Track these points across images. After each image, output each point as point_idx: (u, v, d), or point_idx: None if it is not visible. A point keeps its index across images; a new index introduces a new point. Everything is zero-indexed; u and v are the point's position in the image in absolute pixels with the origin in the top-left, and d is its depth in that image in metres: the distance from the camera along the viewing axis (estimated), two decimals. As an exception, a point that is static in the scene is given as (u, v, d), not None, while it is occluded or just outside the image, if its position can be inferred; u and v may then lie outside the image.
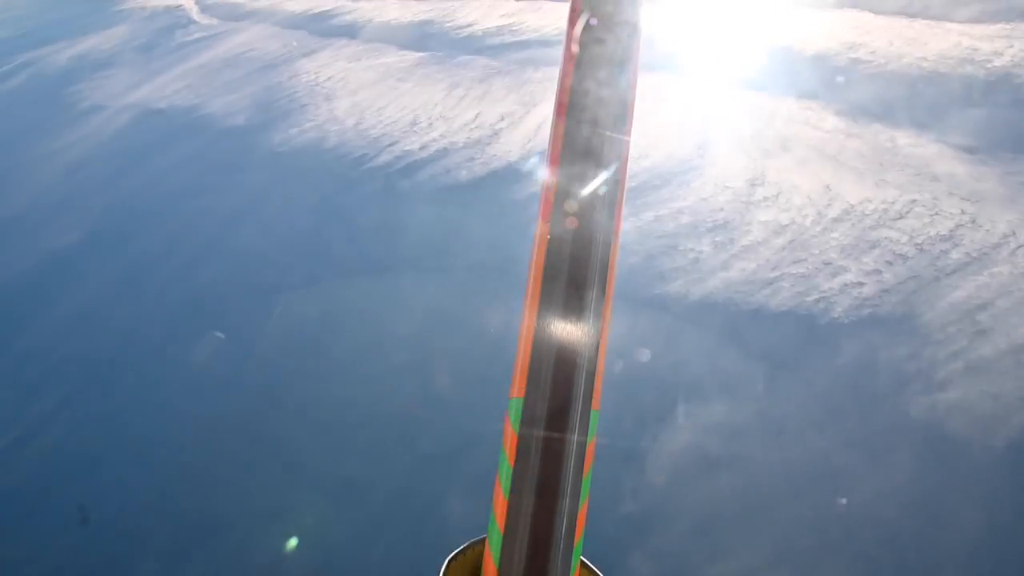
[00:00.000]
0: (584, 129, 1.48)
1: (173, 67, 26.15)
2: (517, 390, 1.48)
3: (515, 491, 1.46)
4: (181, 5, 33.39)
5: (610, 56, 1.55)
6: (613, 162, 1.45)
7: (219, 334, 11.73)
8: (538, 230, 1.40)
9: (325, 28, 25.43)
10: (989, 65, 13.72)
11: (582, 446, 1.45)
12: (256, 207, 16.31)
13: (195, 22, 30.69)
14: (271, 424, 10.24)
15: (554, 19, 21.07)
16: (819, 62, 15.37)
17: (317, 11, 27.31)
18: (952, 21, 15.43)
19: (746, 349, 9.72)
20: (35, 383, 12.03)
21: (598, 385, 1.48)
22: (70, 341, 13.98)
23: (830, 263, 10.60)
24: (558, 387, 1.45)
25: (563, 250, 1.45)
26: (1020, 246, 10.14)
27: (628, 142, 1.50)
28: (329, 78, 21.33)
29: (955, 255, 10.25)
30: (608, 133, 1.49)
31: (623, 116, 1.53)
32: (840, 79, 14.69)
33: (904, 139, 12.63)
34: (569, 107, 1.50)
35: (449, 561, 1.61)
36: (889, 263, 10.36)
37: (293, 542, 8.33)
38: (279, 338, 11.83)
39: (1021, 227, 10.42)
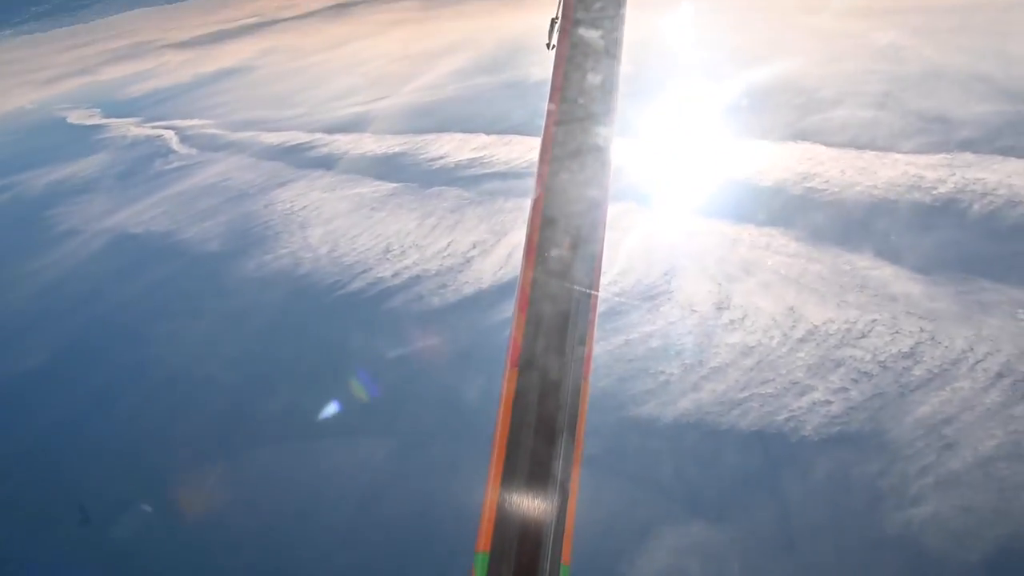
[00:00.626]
0: (552, 280, 1.59)
1: (151, 194, 26.74)
2: (483, 543, 1.41)
3: None
4: (162, 135, 34.44)
5: (577, 219, 1.68)
6: (581, 314, 1.56)
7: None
8: (506, 375, 1.55)
9: (302, 160, 26.32)
10: (935, 192, 14.58)
11: None
12: (227, 332, 16.39)
13: (175, 151, 31.61)
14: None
15: (523, 152, 22.06)
16: (777, 191, 16.21)
17: (294, 143, 28.31)
18: (898, 152, 16.47)
19: (720, 470, 9.78)
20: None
21: (568, 538, 1.43)
22: (35, 459, 13.73)
23: (797, 382, 10.85)
24: (526, 541, 1.39)
25: (531, 396, 1.47)
26: (979, 361, 10.49)
27: (596, 296, 1.63)
28: (304, 207, 21.91)
29: (917, 371, 10.57)
30: (576, 287, 1.60)
31: (591, 269, 1.64)
32: (798, 207, 15.47)
33: (861, 262, 13.21)
34: (537, 257, 1.62)
35: None
36: (855, 381, 10.64)
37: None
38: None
39: (978, 343, 10.81)
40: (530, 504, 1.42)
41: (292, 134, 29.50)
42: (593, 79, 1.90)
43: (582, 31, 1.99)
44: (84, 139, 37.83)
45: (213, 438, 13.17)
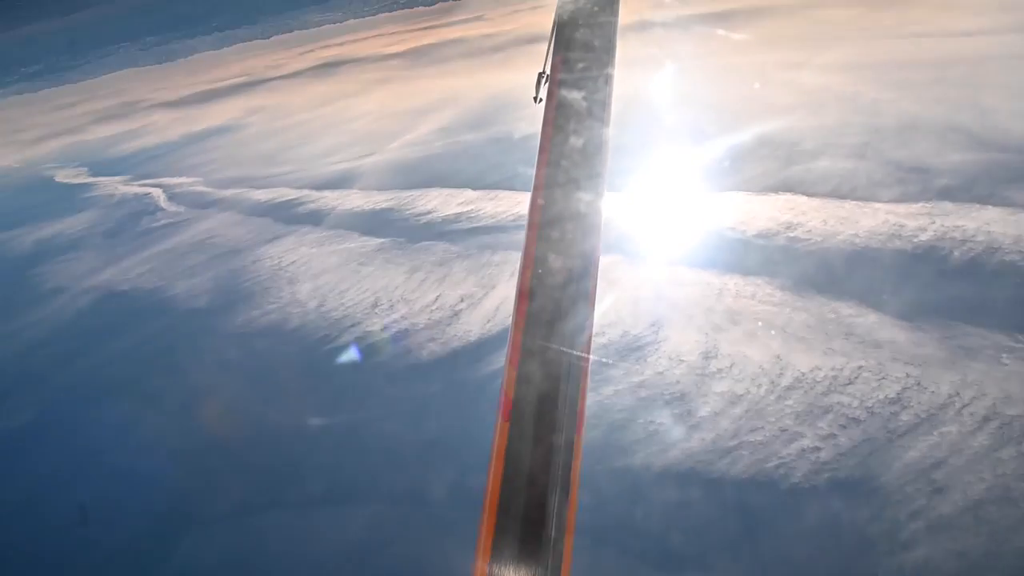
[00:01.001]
0: (543, 336, 1.63)
1: (138, 251, 26.84)
2: (479, 572, 1.42)
3: None
4: (149, 193, 34.68)
5: (564, 291, 1.71)
6: (573, 369, 1.58)
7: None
8: (497, 428, 1.55)
9: (290, 216, 26.56)
10: (915, 240, 14.89)
11: None
12: (217, 388, 16.38)
13: (162, 209, 31.81)
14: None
15: (509, 206, 22.38)
16: (761, 242, 16.49)
17: (282, 200, 28.58)
18: (878, 201, 16.84)
19: (711, 519, 9.79)
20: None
21: None
22: (19, 523, 13.60)
23: (786, 430, 10.93)
24: None
25: (523, 451, 1.45)
26: (965, 405, 10.62)
27: (588, 354, 1.68)
28: (292, 262, 22.05)
29: (905, 417, 10.68)
30: (567, 346, 1.64)
31: (583, 327, 1.67)
32: (782, 256, 15.75)
33: (846, 310, 13.42)
34: (528, 314, 1.66)
35: None
36: (843, 427, 10.73)
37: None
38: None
39: (964, 388, 10.96)
40: (523, 565, 1.39)
41: (280, 191, 29.80)
42: (579, 142, 1.89)
43: (569, 91, 1.98)
44: (71, 197, 38.02)
45: (201, 498, 13.11)
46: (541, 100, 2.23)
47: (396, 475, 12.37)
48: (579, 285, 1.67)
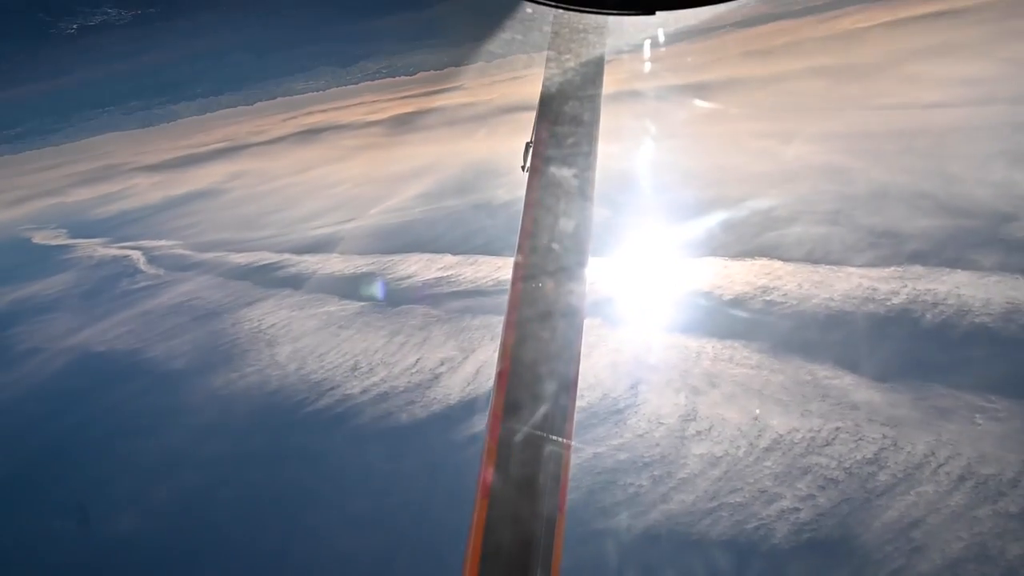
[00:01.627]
0: (524, 417, 1.60)
1: (116, 313, 26.78)
2: None
3: None
4: (129, 255, 34.73)
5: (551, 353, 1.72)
6: (554, 461, 1.54)
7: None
8: (476, 505, 1.49)
9: (270, 279, 26.68)
10: (888, 303, 15.24)
11: None
12: (194, 449, 16.23)
13: (141, 271, 31.85)
14: None
15: (489, 271, 22.66)
16: (737, 305, 16.80)
17: (262, 263, 28.74)
18: (852, 265, 17.25)
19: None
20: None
21: None
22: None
23: (765, 491, 11.01)
24: None
25: (502, 530, 1.41)
26: (940, 465, 10.78)
27: (569, 444, 1.65)
28: (272, 325, 22.08)
29: (882, 477, 10.82)
30: (547, 433, 1.60)
31: (565, 422, 1.60)
32: (758, 320, 16.05)
33: (822, 372, 13.65)
34: (506, 399, 1.61)
35: None
36: (822, 487, 10.83)
37: None
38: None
39: (939, 448, 11.13)
40: None
41: (260, 254, 29.98)
42: (565, 224, 1.83)
43: (555, 169, 1.95)
44: (49, 259, 38.04)
45: (180, 560, 12.93)
46: (527, 169, 2.21)
47: (374, 542, 12.26)
48: (560, 366, 1.66)
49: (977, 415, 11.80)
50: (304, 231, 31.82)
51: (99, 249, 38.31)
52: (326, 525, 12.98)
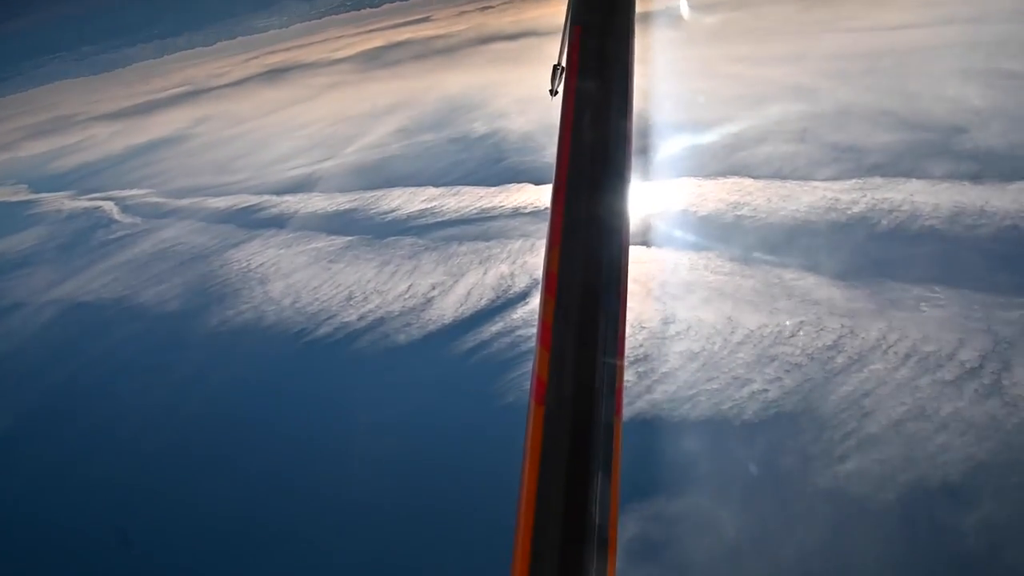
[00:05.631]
0: (574, 316, 1.60)
1: (97, 263, 27.83)
2: (519, 571, 1.40)
3: None
4: (100, 207, 35.52)
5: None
6: (608, 345, 1.58)
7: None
8: (531, 413, 1.52)
9: (252, 221, 27.89)
10: (849, 212, 17.10)
11: None
12: (198, 385, 17.66)
13: (117, 221, 32.76)
14: None
15: (472, 200, 24.14)
16: (711, 220, 18.56)
17: (242, 206, 29.89)
18: (816, 180, 19.07)
19: (674, 456, 11.63)
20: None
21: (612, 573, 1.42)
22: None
23: (738, 377, 12.86)
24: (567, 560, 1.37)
25: (561, 436, 1.45)
26: (890, 346, 12.70)
27: (623, 328, 1.70)
28: (261, 264, 23.44)
29: (840, 359, 12.71)
30: (599, 321, 1.62)
31: (615, 304, 1.64)
32: (731, 232, 17.82)
33: (788, 275, 15.47)
34: (557, 295, 1.61)
35: None
36: (787, 371, 12.70)
37: None
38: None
39: (889, 332, 13.05)
40: (567, 557, 1.38)
41: (239, 198, 31.05)
42: (602, 132, 1.86)
43: (587, 82, 1.99)
44: (14, 215, 38.38)
45: (191, 502, 13.85)
46: (557, 93, 2.16)
47: (400, 452, 13.68)
48: (609, 265, 1.64)
49: (923, 304, 13.71)
50: (281, 172, 32.87)
51: (67, 202, 38.73)
52: (338, 444, 14.38)
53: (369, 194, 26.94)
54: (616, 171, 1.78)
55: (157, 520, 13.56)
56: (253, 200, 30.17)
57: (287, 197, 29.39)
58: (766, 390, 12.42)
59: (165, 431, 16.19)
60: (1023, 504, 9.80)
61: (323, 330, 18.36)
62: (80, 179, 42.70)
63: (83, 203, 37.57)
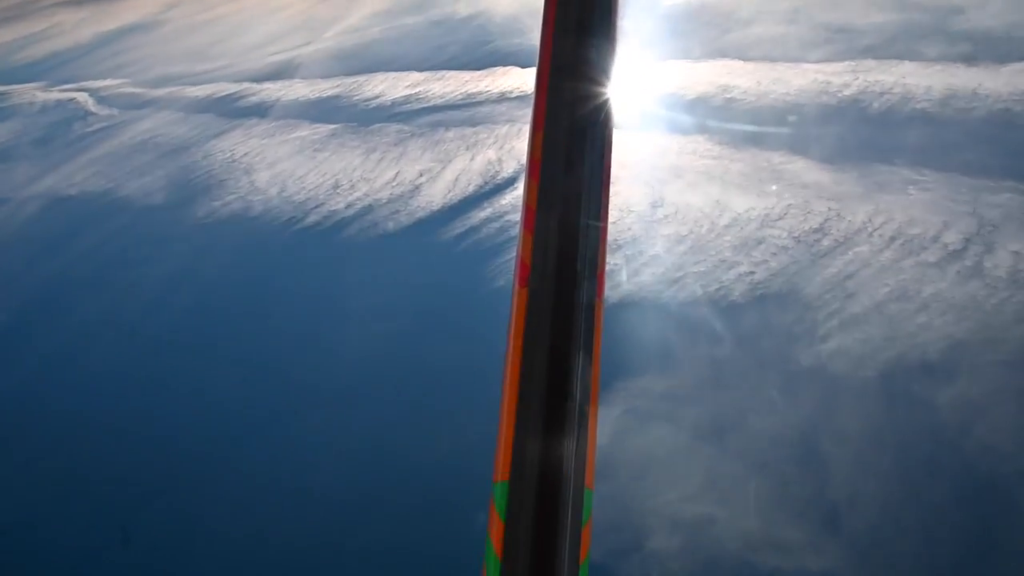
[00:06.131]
0: (558, 199, 1.59)
1: (77, 156, 27.35)
2: (500, 473, 1.43)
3: None
4: (74, 99, 34.62)
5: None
6: (591, 229, 1.57)
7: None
8: (515, 296, 1.53)
9: (232, 110, 27.35)
10: (840, 95, 16.97)
11: (577, 531, 1.39)
12: (189, 276, 17.71)
13: (93, 113, 32.00)
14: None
15: (457, 85, 23.73)
16: (700, 103, 18.40)
17: (222, 95, 29.23)
18: (807, 62, 18.83)
19: (663, 333, 11.94)
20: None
21: (590, 460, 1.44)
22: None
23: (725, 260, 13.08)
24: (546, 468, 1.40)
25: (543, 317, 1.47)
26: (876, 229, 12.90)
27: (607, 210, 1.66)
28: (245, 154, 23.14)
29: (826, 242, 12.92)
30: (583, 202, 1.59)
31: (598, 189, 1.62)
32: (720, 116, 17.71)
33: (777, 158, 15.51)
34: (541, 177, 1.61)
35: None
36: (774, 254, 12.92)
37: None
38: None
39: (875, 215, 13.23)
40: (549, 429, 1.41)
41: (217, 86, 30.32)
42: (588, 12, 1.76)
43: None
44: (-15, 107, 37.39)
45: (188, 395, 13.92)
46: None
47: (392, 336, 13.88)
48: (593, 148, 1.61)
49: (910, 187, 13.84)
50: (260, 58, 31.99)
51: (39, 94, 37.59)
52: (331, 330, 14.54)
53: (351, 80, 26.39)
54: (602, 52, 1.75)
55: (154, 409, 13.78)
56: (232, 88, 29.49)
57: (267, 84, 28.74)
58: (752, 272, 12.65)
59: (158, 324, 16.29)
60: (996, 380, 10.17)
61: (312, 219, 18.36)
62: (50, 70, 41.31)
63: (56, 95, 36.52)
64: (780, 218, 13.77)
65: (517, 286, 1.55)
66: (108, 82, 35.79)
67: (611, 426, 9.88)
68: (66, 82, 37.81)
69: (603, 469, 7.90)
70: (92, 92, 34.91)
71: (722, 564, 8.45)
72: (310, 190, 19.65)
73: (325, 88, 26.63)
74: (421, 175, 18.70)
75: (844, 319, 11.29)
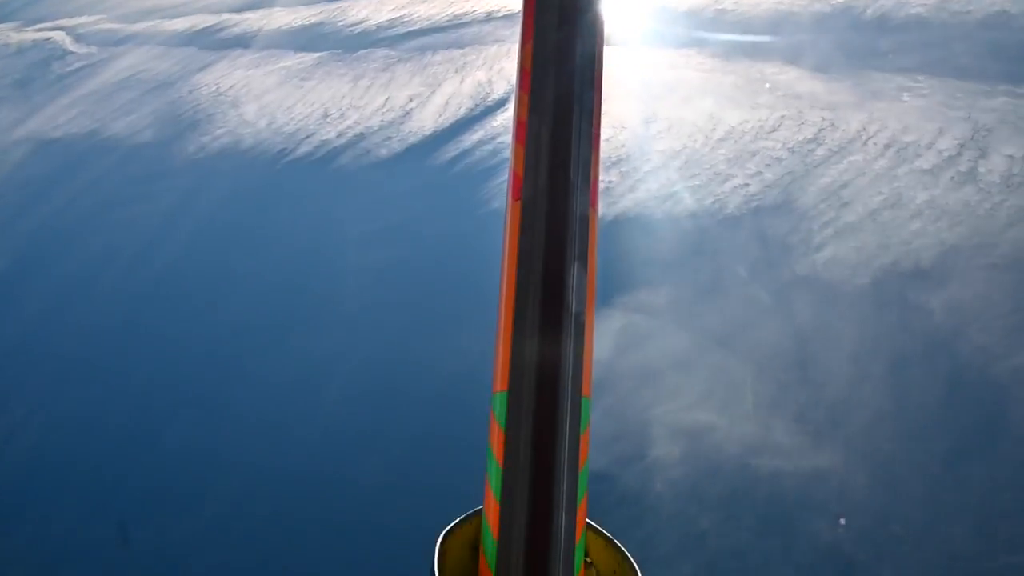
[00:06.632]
0: (548, 115, 1.57)
1: (59, 97, 26.92)
2: (500, 383, 1.45)
3: (507, 494, 1.41)
4: (51, 38, 33.90)
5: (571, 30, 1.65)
6: (583, 143, 1.56)
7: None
8: (508, 210, 1.54)
9: (214, 42, 26.87)
10: (833, 1, 16.70)
11: (575, 438, 1.41)
12: (185, 210, 17.69)
13: (72, 52, 31.39)
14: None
15: (442, 7, 23.29)
16: (691, 16, 18.12)
17: (202, 27, 28.68)
18: (800, -31, 18.48)
19: (659, 247, 12.04)
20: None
21: (588, 369, 1.46)
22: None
23: (720, 173, 13.09)
24: (544, 377, 1.42)
25: (537, 228, 1.47)
26: (870, 137, 12.89)
27: (598, 125, 1.65)
28: (231, 87, 22.84)
29: (820, 152, 12.92)
30: (574, 118, 1.58)
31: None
32: (711, 28, 17.47)
33: (770, 69, 15.36)
34: (532, 91, 1.59)
35: (445, 535, 1.59)
36: (768, 165, 12.93)
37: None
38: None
39: (870, 124, 13.20)
40: (545, 339, 1.43)
41: (197, 18, 29.73)
42: None
43: None
44: (-44, 50, 36.63)
45: (192, 324, 13.95)
46: None
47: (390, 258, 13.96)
48: (583, 59, 1.59)
49: (905, 94, 13.76)
50: (238, -13, 31.26)
51: (13, 35, 36.75)
52: (330, 256, 14.57)
53: (333, 6, 25.88)
54: None
55: (155, 344, 13.93)
56: (212, 20, 28.90)
57: (247, 14, 28.17)
58: (747, 184, 12.69)
59: (157, 261, 16.30)
60: (987, 283, 10.33)
61: (303, 149, 18.25)
62: (21, 8, 40.36)
63: (31, 35, 35.72)
64: (774, 130, 13.73)
65: (511, 199, 1.56)
66: (84, 19, 35.04)
67: (611, 340, 10.05)
68: (41, 21, 36.99)
69: (603, 381, 8.11)
70: (69, 30, 34.19)
71: (723, 469, 8.71)
72: (299, 120, 19.47)
73: (307, 15, 26.12)
74: (411, 100, 18.52)
75: (839, 228, 11.38)
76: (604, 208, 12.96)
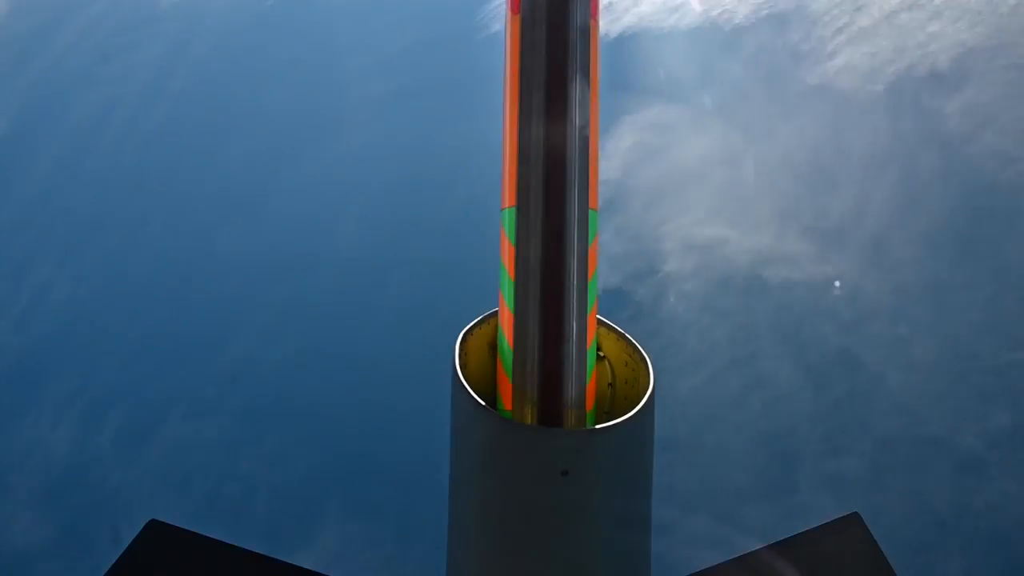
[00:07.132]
0: None
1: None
2: (507, 199, 1.48)
3: (520, 306, 1.46)
4: None
5: None
6: None
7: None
8: (508, 24, 1.52)
9: None
10: None
11: (584, 250, 1.46)
12: (182, 50, 16.92)
13: None
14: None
15: None
16: None
17: None
18: None
19: (668, 62, 11.66)
20: None
21: (594, 182, 1.48)
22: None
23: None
24: (551, 191, 1.44)
25: (538, 40, 1.45)
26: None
27: None
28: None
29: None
30: None
31: None
32: None
33: None
34: None
35: (464, 334, 1.64)
36: None
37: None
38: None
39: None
40: (551, 152, 1.44)
41: None
42: None
43: None
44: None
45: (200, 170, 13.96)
46: None
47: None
48: None
49: None
50: None
51: None
52: (333, 92, 14.09)
53: None
54: None
55: (169, 193, 13.79)
56: None
57: None
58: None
59: (158, 110, 15.89)
60: (1006, 85, 10.08)
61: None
62: None
63: None
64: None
65: (510, 14, 1.52)
66: None
67: (622, 157, 9.96)
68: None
69: (616, 199, 8.07)
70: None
71: (734, 280, 8.85)
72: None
73: None
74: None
75: (852, 34, 11.01)
76: (608, 24, 12.46)
